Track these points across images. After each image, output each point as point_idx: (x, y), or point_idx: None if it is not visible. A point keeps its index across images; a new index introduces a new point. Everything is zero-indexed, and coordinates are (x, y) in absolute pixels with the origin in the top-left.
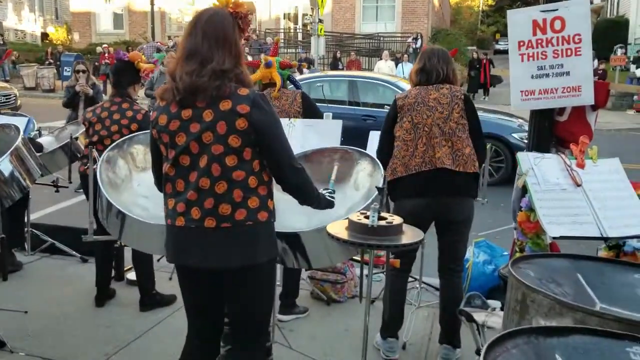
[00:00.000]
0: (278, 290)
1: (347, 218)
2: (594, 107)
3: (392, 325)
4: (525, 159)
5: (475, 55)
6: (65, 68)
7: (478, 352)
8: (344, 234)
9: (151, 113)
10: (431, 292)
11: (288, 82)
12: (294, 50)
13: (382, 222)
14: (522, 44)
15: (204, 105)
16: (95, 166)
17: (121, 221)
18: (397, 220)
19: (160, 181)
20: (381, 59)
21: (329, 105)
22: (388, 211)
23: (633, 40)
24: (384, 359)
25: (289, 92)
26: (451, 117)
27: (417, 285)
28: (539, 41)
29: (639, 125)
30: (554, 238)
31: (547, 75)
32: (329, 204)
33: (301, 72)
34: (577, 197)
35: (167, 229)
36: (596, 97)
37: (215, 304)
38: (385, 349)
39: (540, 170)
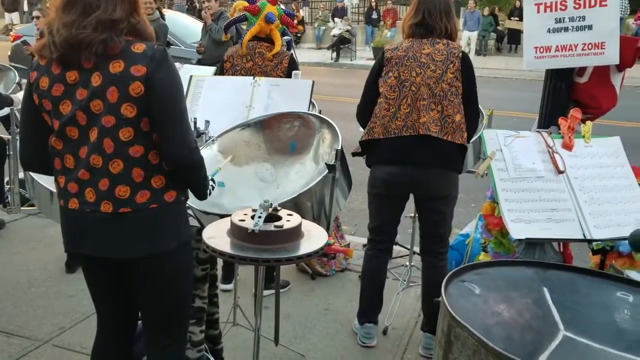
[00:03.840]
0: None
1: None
2: (620, 67)
3: (368, 310)
4: (493, 138)
5: (518, 4)
6: None
7: None
8: (222, 239)
9: (30, 73)
10: None
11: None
12: None
13: (269, 226)
14: None
15: (92, 66)
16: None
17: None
18: (294, 221)
19: (31, 157)
20: None
21: None
22: (331, 197)
23: None
24: (360, 345)
25: (279, 54)
26: (444, 77)
27: (407, 262)
28: None
29: None
30: (518, 240)
31: (566, 29)
32: (204, 192)
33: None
34: (557, 187)
35: (60, 211)
36: (623, 55)
37: (122, 296)
38: (361, 334)
39: (511, 152)
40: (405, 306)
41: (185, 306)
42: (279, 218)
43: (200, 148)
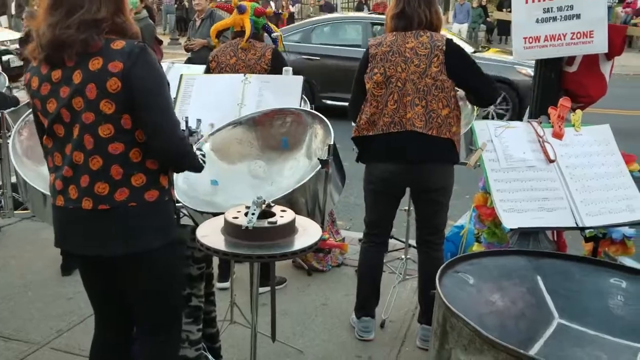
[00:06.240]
0: None
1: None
2: (609, 56)
3: (365, 304)
4: (484, 129)
5: None
6: None
7: None
8: (216, 237)
9: (25, 74)
10: None
11: (264, 33)
12: None
13: (263, 222)
14: None
15: (73, 64)
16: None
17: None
18: (287, 217)
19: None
20: None
21: None
22: (324, 192)
23: None
24: (358, 339)
25: (259, 46)
26: (428, 71)
27: (403, 256)
28: None
29: None
30: (512, 230)
31: (555, 18)
32: (200, 167)
33: (281, 23)
34: (549, 176)
35: (52, 208)
36: (611, 43)
37: (117, 296)
38: (359, 329)
39: (502, 143)
40: (402, 299)
41: (174, 307)
42: (273, 214)
43: (193, 147)
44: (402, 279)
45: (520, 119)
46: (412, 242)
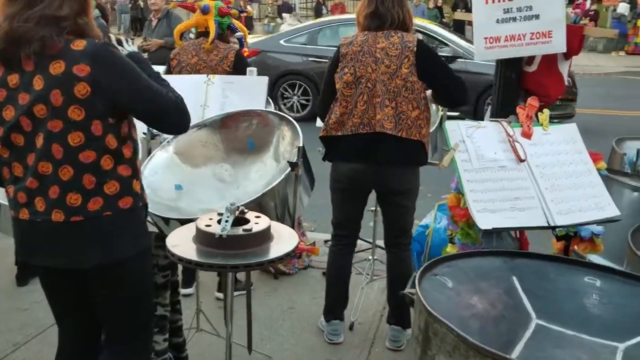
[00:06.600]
0: None
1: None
2: (567, 55)
3: (334, 306)
4: (455, 129)
5: None
6: None
7: None
8: (187, 246)
9: None
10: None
11: (230, 32)
12: None
13: (238, 230)
14: None
15: (33, 68)
16: None
17: None
18: (262, 223)
19: None
20: None
21: None
22: (294, 195)
23: None
24: (327, 342)
25: (223, 47)
26: (398, 72)
27: (370, 256)
28: None
29: (630, 68)
30: (484, 230)
31: (514, 19)
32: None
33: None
34: (520, 176)
35: (12, 221)
36: (569, 43)
37: (83, 306)
38: (328, 332)
39: (473, 143)
40: (370, 300)
41: (146, 317)
42: (247, 221)
43: (156, 151)
44: (370, 280)
45: None
46: (379, 242)
